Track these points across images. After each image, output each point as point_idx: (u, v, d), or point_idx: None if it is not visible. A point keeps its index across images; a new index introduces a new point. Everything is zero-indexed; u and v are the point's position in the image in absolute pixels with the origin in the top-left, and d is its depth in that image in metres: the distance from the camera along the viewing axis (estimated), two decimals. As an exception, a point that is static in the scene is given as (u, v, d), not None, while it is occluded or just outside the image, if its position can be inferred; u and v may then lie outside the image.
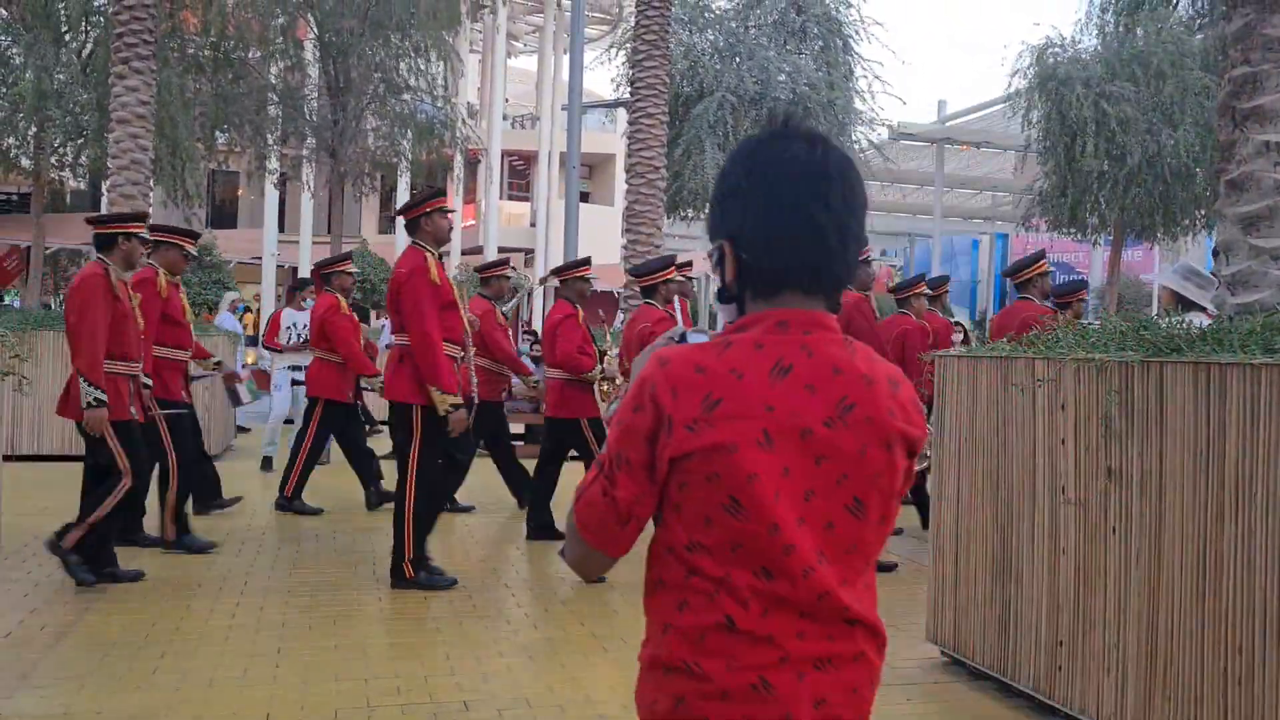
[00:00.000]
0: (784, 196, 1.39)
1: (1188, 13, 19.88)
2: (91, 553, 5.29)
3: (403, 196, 27.19)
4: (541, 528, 6.93)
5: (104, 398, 5.12)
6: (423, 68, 15.88)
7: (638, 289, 7.38)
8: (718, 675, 1.36)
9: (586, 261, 7.49)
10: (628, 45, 15.01)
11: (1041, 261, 6.88)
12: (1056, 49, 18.38)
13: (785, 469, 1.36)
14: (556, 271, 7.58)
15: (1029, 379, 4.04)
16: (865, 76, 18.32)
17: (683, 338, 1.54)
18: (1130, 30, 18.89)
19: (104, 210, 12.77)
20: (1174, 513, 3.34)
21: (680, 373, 1.36)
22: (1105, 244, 21.21)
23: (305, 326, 9.21)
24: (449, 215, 5.76)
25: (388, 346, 10.67)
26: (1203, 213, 18.22)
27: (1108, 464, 3.63)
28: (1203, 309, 4.89)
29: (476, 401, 6.23)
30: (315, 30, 15.58)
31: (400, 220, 5.95)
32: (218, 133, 16.13)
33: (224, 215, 32.16)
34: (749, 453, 1.35)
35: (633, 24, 12.59)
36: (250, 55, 15.67)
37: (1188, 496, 3.29)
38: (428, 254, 5.47)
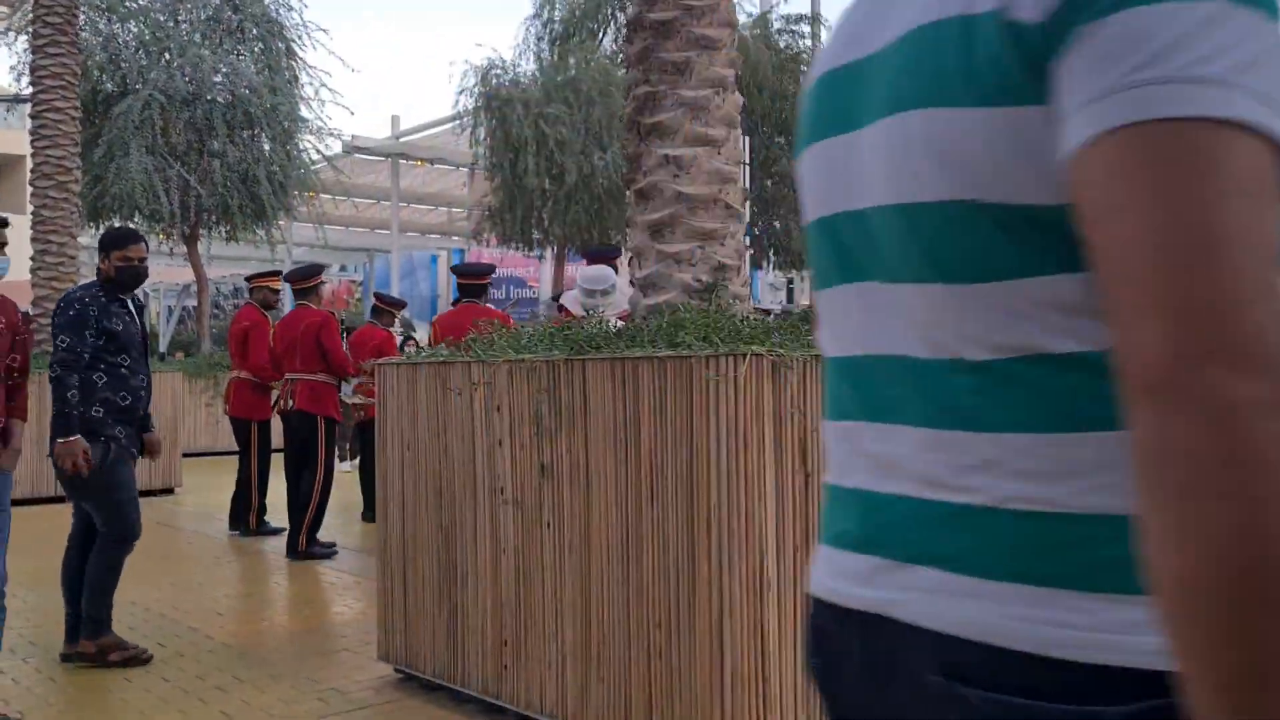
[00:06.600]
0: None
1: (612, 47, 21.98)
2: None
3: None
4: None
5: None
6: None
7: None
8: None
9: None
10: (29, 29, 13.08)
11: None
12: (499, 70, 19.29)
13: None
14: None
15: (466, 382, 4.03)
16: (312, 84, 17.80)
17: None
18: (564, 59, 20.42)
19: None
20: (600, 502, 3.49)
21: None
22: (552, 258, 22.68)
23: None
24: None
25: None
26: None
27: (540, 461, 3.71)
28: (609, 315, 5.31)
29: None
30: None
31: None
32: None
33: None
34: None
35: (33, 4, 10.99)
36: None
37: (611, 485, 3.45)
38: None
